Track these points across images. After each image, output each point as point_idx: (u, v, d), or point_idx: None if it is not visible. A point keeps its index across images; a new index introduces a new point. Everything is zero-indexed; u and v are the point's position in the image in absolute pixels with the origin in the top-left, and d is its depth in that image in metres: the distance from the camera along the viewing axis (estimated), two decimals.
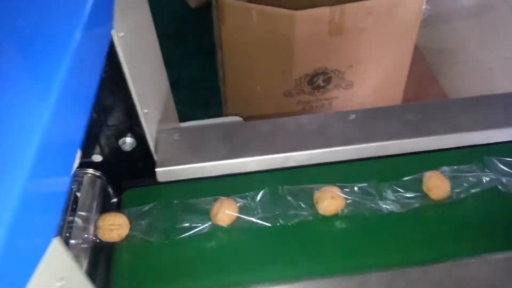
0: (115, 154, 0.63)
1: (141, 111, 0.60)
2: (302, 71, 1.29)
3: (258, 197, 0.63)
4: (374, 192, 0.63)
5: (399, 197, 0.63)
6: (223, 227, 0.61)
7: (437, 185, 0.63)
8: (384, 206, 0.62)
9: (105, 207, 0.64)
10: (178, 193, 0.64)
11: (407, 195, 0.63)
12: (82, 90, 0.41)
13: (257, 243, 0.60)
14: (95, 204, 0.62)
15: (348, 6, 1.16)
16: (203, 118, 1.58)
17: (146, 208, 0.62)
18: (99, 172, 0.64)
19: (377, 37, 1.25)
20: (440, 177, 0.64)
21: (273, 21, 1.18)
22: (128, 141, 0.62)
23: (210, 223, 0.61)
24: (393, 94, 1.44)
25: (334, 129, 0.68)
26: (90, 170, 0.65)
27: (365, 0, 1.17)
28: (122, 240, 0.60)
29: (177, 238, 0.60)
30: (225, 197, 0.62)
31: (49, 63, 0.37)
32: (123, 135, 0.62)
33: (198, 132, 0.67)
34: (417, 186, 0.64)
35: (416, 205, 0.62)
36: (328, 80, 1.33)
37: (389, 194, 0.63)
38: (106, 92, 0.56)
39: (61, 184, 0.35)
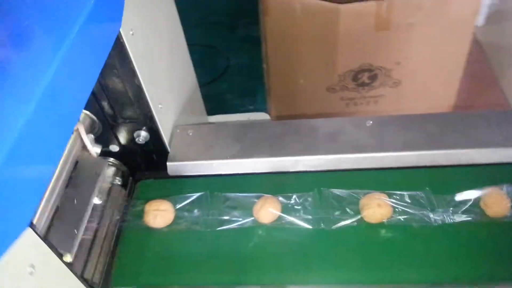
0: (130, 145, 0.66)
1: (153, 106, 0.62)
2: (346, 66, 1.25)
3: (303, 198, 0.62)
4: (425, 202, 0.60)
5: (452, 209, 0.60)
6: (264, 224, 0.61)
7: (496, 201, 0.59)
8: (434, 217, 0.59)
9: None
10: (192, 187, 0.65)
11: (462, 208, 0.60)
12: (76, 84, 0.43)
13: (295, 244, 0.59)
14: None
15: (396, 0, 1.11)
16: (249, 107, 1.60)
17: (192, 197, 0.63)
18: (118, 161, 0.68)
19: (427, 33, 1.19)
20: (500, 194, 0.60)
21: (317, 15, 1.16)
22: (142, 134, 0.64)
23: (252, 218, 0.61)
24: (445, 95, 1.37)
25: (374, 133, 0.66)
26: (111, 159, 0.68)
27: None
28: (167, 226, 0.62)
29: (218, 229, 0.60)
30: (270, 195, 0.62)
31: (43, 53, 0.40)
32: (138, 128, 0.64)
33: (211, 130, 0.68)
34: (473, 200, 0.60)
35: (470, 219, 0.59)
36: (373, 77, 1.28)
37: (442, 206, 0.60)
38: (119, 86, 0.59)
39: (41, 175, 0.37)
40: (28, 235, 0.36)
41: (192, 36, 1.87)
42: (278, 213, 0.61)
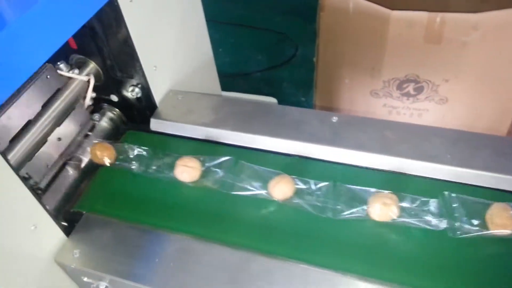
0: (127, 98, 0.77)
1: (146, 68, 0.71)
2: (392, 73, 1.25)
3: (319, 185, 0.65)
4: (432, 209, 0.61)
5: (458, 220, 0.60)
6: (275, 200, 0.65)
7: (502, 223, 0.58)
8: (437, 224, 0.59)
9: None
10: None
11: (468, 220, 0.59)
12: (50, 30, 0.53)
13: (296, 224, 0.63)
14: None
15: (450, 16, 1.08)
16: (300, 98, 1.64)
17: (219, 160, 0.68)
18: (116, 109, 0.79)
19: (482, 54, 1.13)
20: (508, 214, 0.58)
21: (368, 17, 1.17)
22: (136, 90, 0.75)
23: (265, 192, 0.65)
24: (498, 121, 1.29)
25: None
26: (112, 107, 0.80)
27: (471, 13, 1.07)
28: (193, 182, 0.68)
29: (233, 193, 0.66)
30: (287, 175, 0.66)
31: None
32: (133, 84, 0.75)
33: (198, 98, 0.76)
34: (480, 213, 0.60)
35: (473, 234, 0.58)
36: (419, 90, 1.26)
37: (449, 215, 0.60)
38: (116, 44, 0.69)
39: None
40: None
41: (267, 21, 1.95)
42: (290, 194, 0.64)
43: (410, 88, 1.26)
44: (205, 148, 0.69)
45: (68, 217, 0.68)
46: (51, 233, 0.61)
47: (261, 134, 0.69)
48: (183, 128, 0.72)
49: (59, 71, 0.68)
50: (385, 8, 1.12)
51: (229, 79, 1.01)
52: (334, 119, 0.69)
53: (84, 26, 0.57)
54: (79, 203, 0.68)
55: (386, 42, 1.18)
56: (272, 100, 1.11)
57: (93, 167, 0.74)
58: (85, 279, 0.59)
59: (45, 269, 0.61)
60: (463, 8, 1.26)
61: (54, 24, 0.53)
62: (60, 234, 0.63)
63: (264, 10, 2.02)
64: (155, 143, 0.73)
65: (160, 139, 0.75)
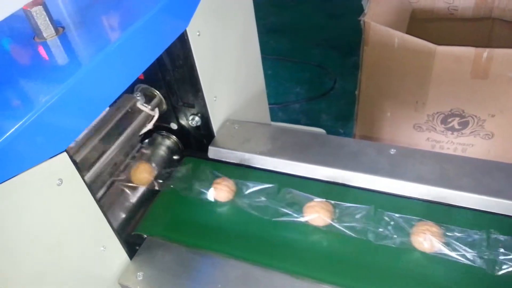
0: (186, 126, 0.80)
1: (208, 98, 0.74)
2: (437, 107, 1.25)
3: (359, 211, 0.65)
4: (479, 244, 0.60)
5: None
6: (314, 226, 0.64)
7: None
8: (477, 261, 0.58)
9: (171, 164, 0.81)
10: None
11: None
12: (131, 59, 0.56)
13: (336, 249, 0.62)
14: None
15: (498, 52, 1.09)
16: (339, 130, 1.65)
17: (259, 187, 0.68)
18: (174, 137, 0.82)
19: None
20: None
21: (413, 52, 1.18)
22: (195, 119, 0.77)
23: (303, 218, 0.65)
24: None
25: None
26: (171, 135, 0.83)
27: None
28: (227, 201, 0.69)
29: (273, 219, 0.65)
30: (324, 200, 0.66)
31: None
32: (193, 113, 0.77)
33: (254, 128, 0.79)
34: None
35: None
36: (464, 124, 1.25)
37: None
38: (181, 75, 0.73)
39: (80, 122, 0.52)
40: (63, 157, 0.51)
41: (308, 55, 2.00)
42: (328, 220, 0.63)
43: (455, 122, 1.26)
44: (264, 177, 0.71)
45: (128, 239, 0.70)
46: (117, 255, 0.63)
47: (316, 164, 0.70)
48: (242, 156, 0.74)
49: (138, 105, 0.73)
50: (431, 43, 1.14)
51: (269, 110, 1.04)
52: (392, 151, 0.70)
53: None
54: (140, 226, 0.70)
55: (431, 77, 1.19)
56: (321, 131, 1.12)
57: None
58: None
59: None
60: (507, 43, 1.27)
61: (131, 61, 0.57)
62: (124, 256, 0.64)
63: (303, 44, 2.06)
64: (213, 169, 0.75)
65: (217, 166, 0.77)
